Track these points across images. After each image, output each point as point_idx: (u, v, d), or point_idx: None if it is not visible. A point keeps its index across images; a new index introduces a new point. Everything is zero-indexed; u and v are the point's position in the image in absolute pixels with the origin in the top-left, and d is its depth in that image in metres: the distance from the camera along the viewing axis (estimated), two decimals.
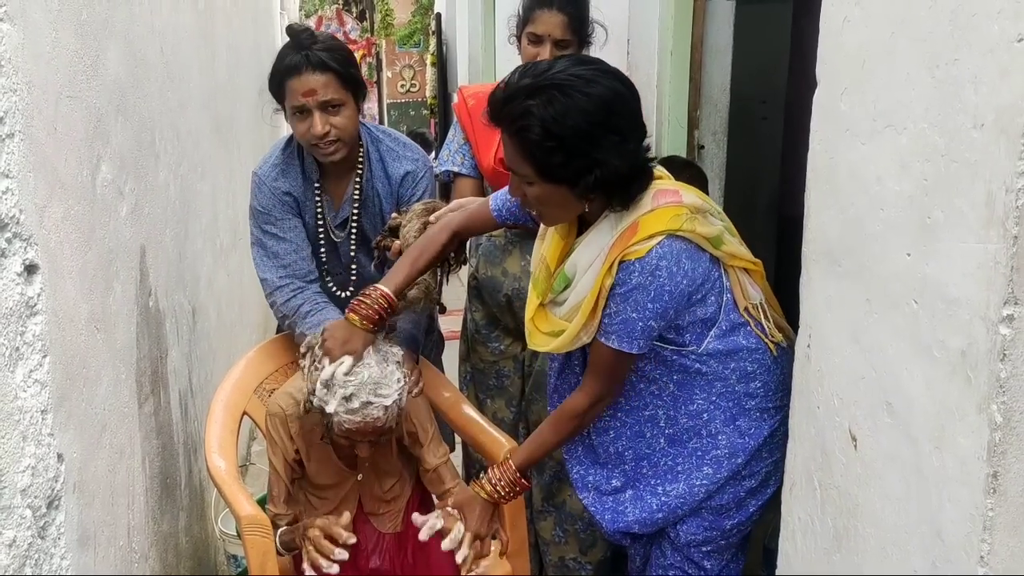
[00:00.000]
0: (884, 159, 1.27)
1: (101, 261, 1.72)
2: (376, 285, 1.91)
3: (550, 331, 1.77)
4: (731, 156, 2.80)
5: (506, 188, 1.95)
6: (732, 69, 2.71)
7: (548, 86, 1.55)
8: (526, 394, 2.63)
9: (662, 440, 1.80)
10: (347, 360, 1.84)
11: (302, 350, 1.95)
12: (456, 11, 7.86)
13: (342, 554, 1.88)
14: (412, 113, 13.72)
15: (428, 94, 11.17)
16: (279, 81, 2.07)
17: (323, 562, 1.87)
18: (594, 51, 2.50)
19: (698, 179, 2.45)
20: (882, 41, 1.27)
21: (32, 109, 1.36)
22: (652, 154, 1.71)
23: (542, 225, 1.84)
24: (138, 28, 2.14)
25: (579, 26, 2.38)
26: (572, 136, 1.54)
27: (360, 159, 2.21)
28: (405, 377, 1.92)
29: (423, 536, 1.88)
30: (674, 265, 1.61)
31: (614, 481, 1.86)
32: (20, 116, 1.30)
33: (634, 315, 1.63)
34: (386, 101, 14.08)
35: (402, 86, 13.94)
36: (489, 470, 1.91)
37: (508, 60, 2.65)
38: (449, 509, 1.91)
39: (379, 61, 14.09)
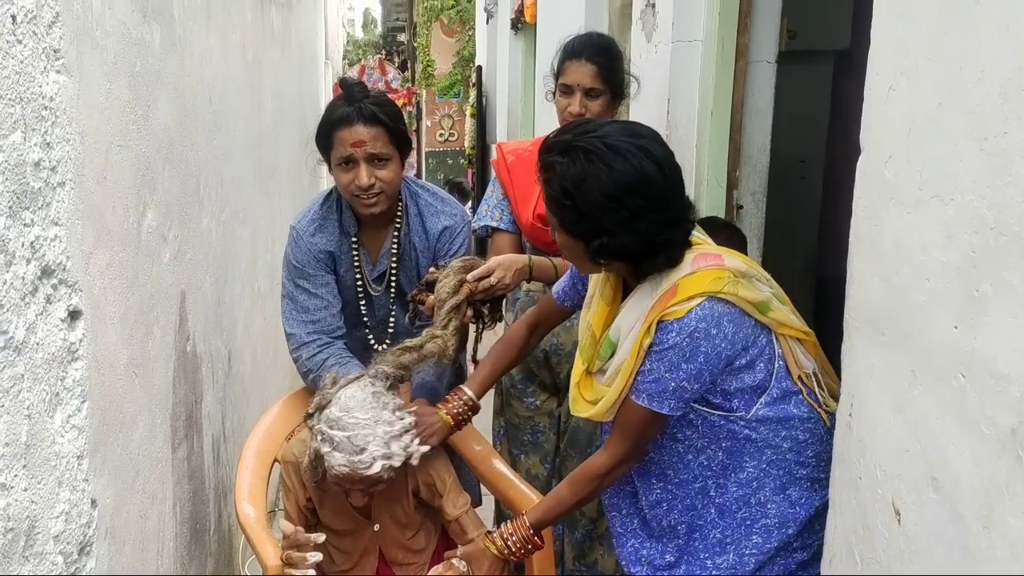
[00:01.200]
0: (930, 229, 1.25)
1: (143, 306, 1.74)
2: (462, 387, 2.05)
3: (594, 399, 1.74)
4: (770, 216, 2.78)
5: (563, 278, 2.00)
6: (772, 129, 2.71)
7: (579, 148, 1.57)
8: (561, 451, 2.60)
9: (712, 511, 1.75)
10: (422, 449, 1.92)
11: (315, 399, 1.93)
12: (496, 64, 7.98)
13: (315, 556, 1.84)
14: (450, 162, 13.85)
15: (466, 144, 11.30)
16: (328, 132, 2.08)
17: (296, 572, 1.83)
18: (629, 103, 2.52)
19: (736, 240, 2.43)
20: (929, 111, 1.26)
21: (84, 158, 1.40)
22: (694, 233, 1.70)
23: (587, 293, 1.84)
24: (188, 79, 2.19)
25: (610, 75, 2.39)
26: (584, 202, 1.57)
27: (398, 213, 2.22)
28: (405, 430, 1.89)
29: None
30: (713, 327, 1.59)
31: (668, 556, 1.80)
32: (72, 165, 1.34)
33: (667, 375, 1.61)
34: (424, 149, 14.25)
35: (440, 135, 14.10)
36: (503, 525, 1.88)
37: (547, 114, 2.68)
38: (455, 562, 1.88)
39: (419, 110, 14.29)
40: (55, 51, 1.29)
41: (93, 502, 1.40)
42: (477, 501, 2.36)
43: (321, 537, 1.87)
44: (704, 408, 1.68)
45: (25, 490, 1.17)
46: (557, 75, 2.45)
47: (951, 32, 1.21)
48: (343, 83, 2.15)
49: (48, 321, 1.26)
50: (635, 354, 1.63)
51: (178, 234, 2.05)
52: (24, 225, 1.18)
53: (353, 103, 2.06)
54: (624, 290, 1.75)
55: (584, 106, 2.38)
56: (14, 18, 1.15)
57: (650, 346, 1.62)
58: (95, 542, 1.40)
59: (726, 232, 2.44)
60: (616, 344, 1.69)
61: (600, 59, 2.39)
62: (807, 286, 4.37)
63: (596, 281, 1.81)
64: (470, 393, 2.03)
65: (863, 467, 1.47)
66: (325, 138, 2.10)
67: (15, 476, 1.14)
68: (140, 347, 1.72)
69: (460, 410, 2.01)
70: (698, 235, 1.73)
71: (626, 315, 1.68)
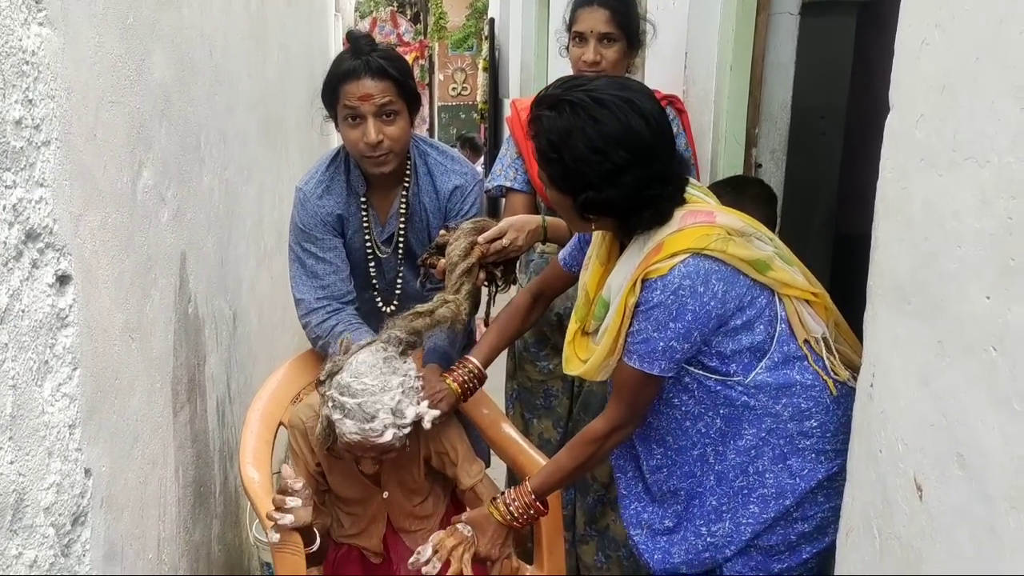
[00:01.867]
0: (963, 193, 1.18)
1: (139, 269, 1.69)
2: (468, 356, 2.03)
3: (586, 358, 1.74)
4: (789, 174, 2.69)
5: (569, 243, 1.97)
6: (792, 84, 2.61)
7: (566, 101, 1.56)
8: (573, 415, 2.56)
9: (712, 478, 1.73)
10: (434, 412, 1.88)
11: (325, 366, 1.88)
12: (509, 17, 7.82)
13: (294, 501, 1.80)
14: (463, 116, 13.72)
15: (479, 99, 11.14)
16: (334, 86, 2.01)
17: (276, 515, 1.80)
18: (645, 56, 2.42)
19: (764, 197, 2.35)
20: (965, 67, 1.18)
21: (71, 115, 1.33)
22: (691, 189, 1.69)
23: (586, 256, 1.82)
24: (187, 31, 2.12)
25: (624, 21, 2.31)
26: (569, 155, 1.56)
27: (407, 173, 2.15)
28: (414, 396, 1.86)
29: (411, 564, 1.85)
30: (700, 285, 1.55)
31: (667, 521, 1.79)
32: (57, 123, 1.27)
33: (655, 334, 1.58)
34: (437, 103, 14.10)
35: (453, 89, 13.95)
36: (506, 491, 1.88)
37: (560, 67, 2.59)
38: (460, 527, 1.87)
39: (431, 64, 14.12)
40: (37, 2, 1.22)
41: (87, 471, 1.37)
42: (486, 463, 2.34)
43: (300, 483, 1.82)
44: (700, 372, 1.65)
45: (11, 463, 1.13)
46: (570, 25, 2.37)
47: None
48: (350, 36, 2.08)
49: (34, 287, 1.21)
50: (621, 312, 1.61)
51: (177, 193, 1.99)
52: (5, 187, 1.12)
53: (360, 56, 1.99)
54: (620, 251, 1.72)
55: (599, 53, 2.31)
56: None
57: (636, 305, 1.60)
58: (89, 512, 1.37)
59: (754, 189, 2.35)
60: (609, 303, 1.67)
61: (613, 3, 2.31)
62: (826, 244, 4.28)
63: (593, 243, 1.79)
64: (476, 362, 2.02)
65: (884, 440, 1.41)
66: (331, 93, 2.03)
67: None
68: (137, 311, 1.67)
69: (466, 379, 2.00)
70: (696, 193, 1.69)
71: (616, 273, 1.66)
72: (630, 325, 1.62)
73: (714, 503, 1.73)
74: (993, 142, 1.11)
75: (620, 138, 1.53)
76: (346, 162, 2.14)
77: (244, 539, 2.83)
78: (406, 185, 2.15)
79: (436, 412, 1.89)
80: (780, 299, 1.65)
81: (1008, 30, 1.08)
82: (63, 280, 1.29)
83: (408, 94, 2.04)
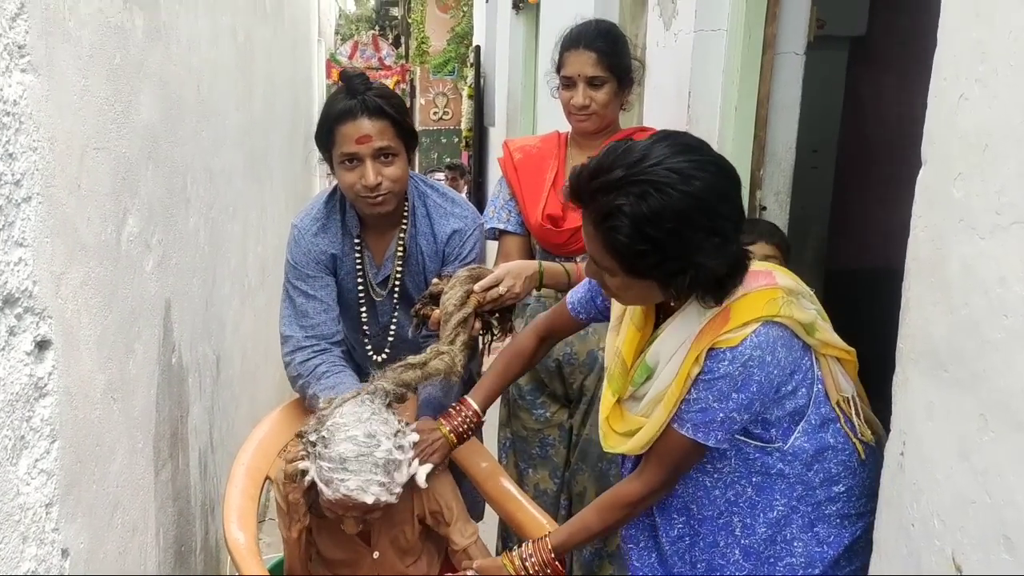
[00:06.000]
0: (1010, 259, 1.11)
1: (122, 324, 1.59)
2: (467, 399, 1.91)
3: (626, 431, 1.61)
4: (792, 214, 2.63)
5: (579, 287, 1.84)
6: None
7: (642, 181, 1.37)
8: (571, 464, 2.47)
9: (737, 551, 1.63)
10: (427, 467, 1.82)
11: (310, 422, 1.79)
12: (496, 45, 7.77)
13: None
14: (444, 141, 13.68)
15: (463, 126, 11.09)
16: (329, 127, 1.93)
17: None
18: (643, 95, 2.35)
19: (769, 232, 2.26)
20: (1010, 125, 1.12)
21: (54, 167, 1.24)
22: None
23: (614, 316, 1.69)
24: (174, 68, 2.03)
25: (612, 62, 2.26)
26: (667, 239, 1.37)
27: (405, 214, 2.07)
28: (405, 456, 1.77)
29: None
30: (768, 354, 1.45)
31: None
32: (39, 176, 1.18)
33: (715, 404, 1.48)
34: (419, 128, 14.06)
35: (435, 113, 13.91)
36: (523, 545, 1.79)
37: (549, 98, 2.52)
38: (471, 574, 1.79)
39: (413, 88, 14.09)
40: (20, 47, 1.13)
41: (64, 552, 1.26)
42: (480, 516, 2.24)
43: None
44: (741, 438, 1.56)
45: None
46: (558, 69, 2.32)
47: None
48: (344, 75, 2.00)
49: (11, 356, 1.11)
50: (681, 384, 1.49)
51: (162, 239, 1.89)
52: None
53: (356, 96, 1.91)
54: (659, 312, 1.61)
55: (589, 97, 2.25)
56: None
57: (698, 374, 1.48)
58: None
59: (762, 227, 2.27)
60: (652, 369, 1.55)
61: (600, 44, 2.25)
62: (817, 280, 4.23)
63: (620, 305, 1.66)
64: (475, 407, 1.90)
65: (917, 513, 1.34)
66: (327, 135, 1.95)
67: None
68: (119, 369, 1.57)
69: (464, 427, 1.89)
70: None
71: (667, 339, 1.53)
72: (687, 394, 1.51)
73: None
74: None
75: (713, 205, 1.39)
76: (342, 201, 2.06)
77: None
78: (403, 227, 2.08)
79: (429, 467, 1.81)
80: (817, 359, 1.57)
81: None
82: (42, 346, 1.19)
83: (406, 133, 1.98)
